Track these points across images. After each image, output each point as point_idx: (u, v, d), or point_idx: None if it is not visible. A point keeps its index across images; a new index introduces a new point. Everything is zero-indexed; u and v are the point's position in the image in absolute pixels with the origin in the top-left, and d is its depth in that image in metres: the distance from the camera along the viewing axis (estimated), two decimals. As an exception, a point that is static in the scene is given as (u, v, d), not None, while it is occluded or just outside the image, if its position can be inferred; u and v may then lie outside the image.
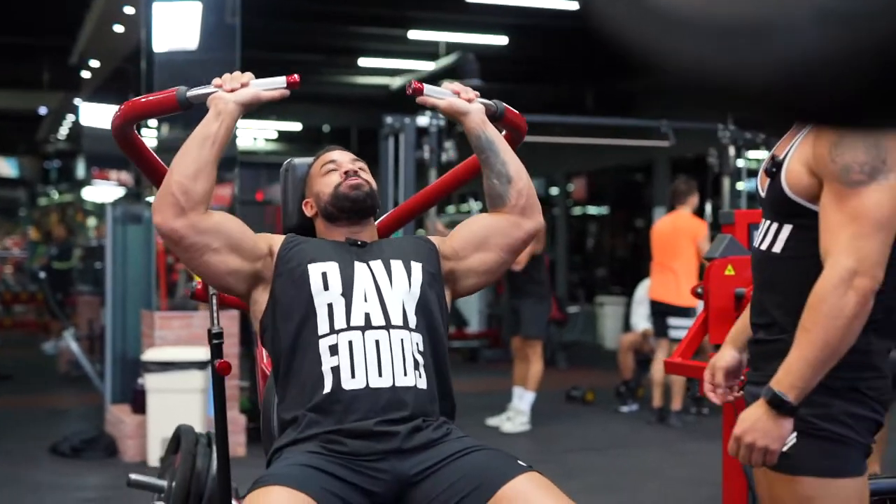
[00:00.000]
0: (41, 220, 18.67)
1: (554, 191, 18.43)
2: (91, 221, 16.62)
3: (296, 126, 20.85)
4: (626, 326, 11.66)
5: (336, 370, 2.43)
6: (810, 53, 0.64)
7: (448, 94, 2.60)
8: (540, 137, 10.42)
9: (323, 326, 2.47)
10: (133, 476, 3.20)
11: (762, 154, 10.21)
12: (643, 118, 12.95)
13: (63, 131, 20.65)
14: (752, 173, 10.69)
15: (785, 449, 2.18)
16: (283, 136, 22.07)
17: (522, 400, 7.74)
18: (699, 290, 3.65)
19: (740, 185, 9.74)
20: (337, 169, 2.70)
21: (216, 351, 2.81)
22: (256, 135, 21.22)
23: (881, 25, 0.61)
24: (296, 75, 2.50)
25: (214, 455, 3.05)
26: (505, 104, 2.71)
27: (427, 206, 3.21)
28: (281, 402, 2.52)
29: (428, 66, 13.54)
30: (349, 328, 2.46)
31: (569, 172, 17.71)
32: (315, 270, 2.51)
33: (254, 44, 8.72)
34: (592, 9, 0.74)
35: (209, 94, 2.46)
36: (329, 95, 17.92)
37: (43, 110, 18.92)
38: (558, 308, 11.37)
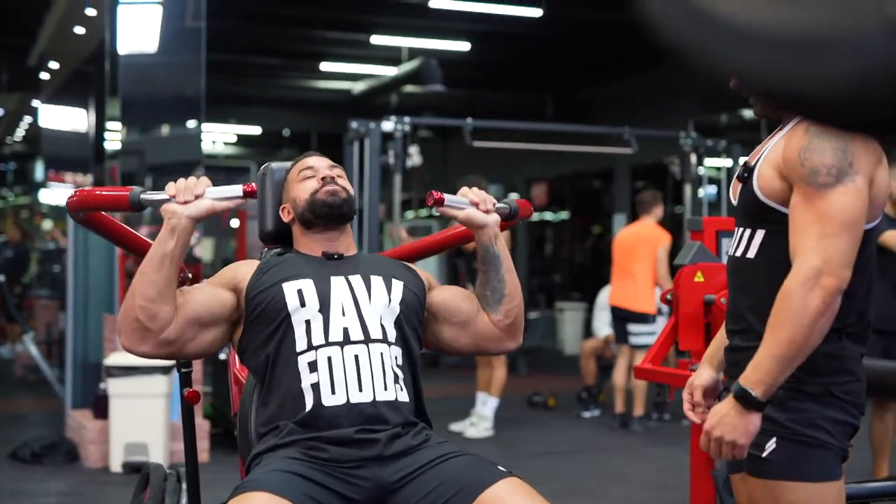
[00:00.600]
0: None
1: (514, 196, 18.48)
2: (47, 224, 16.45)
3: (256, 130, 20.76)
4: (587, 332, 11.72)
5: (316, 387, 2.42)
6: (880, 65, 0.65)
7: (466, 204, 2.56)
8: (501, 144, 10.47)
9: (301, 343, 2.47)
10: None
11: (722, 162, 10.32)
12: (601, 125, 13.05)
13: (20, 133, 20.42)
14: (713, 181, 10.80)
15: (764, 454, 2.22)
16: (243, 140, 21.96)
17: (486, 405, 7.75)
18: (669, 296, 3.69)
19: (701, 192, 9.83)
20: (314, 175, 2.69)
21: (185, 380, 2.79)
22: (216, 138, 21.09)
23: None
24: (253, 184, 2.47)
25: (185, 492, 3.02)
26: (517, 201, 2.70)
27: (423, 255, 3.15)
28: (259, 418, 2.52)
29: (390, 71, 13.54)
30: (327, 344, 2.46)
31: (529, 178, 17.78)
32: (290, 288, 2.51)
33: (217, 47, 8.68)
34: (657, 24, 0.75)
35: (162, 201, 2.41)
36: (290, 99, 17.89)
37: (-1, 112, 18.71)
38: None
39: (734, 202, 2.43)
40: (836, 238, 2.12)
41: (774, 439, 2.22)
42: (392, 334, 2.53)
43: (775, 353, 2.11)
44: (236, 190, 2.44)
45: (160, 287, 2.37)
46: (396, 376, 2.49)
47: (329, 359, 2.44)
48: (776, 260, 2.24)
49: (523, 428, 8.14)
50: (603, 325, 8.82)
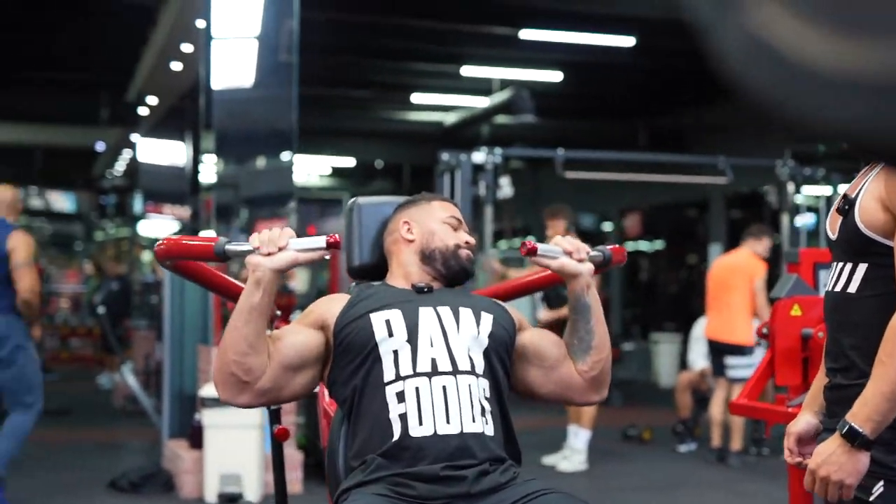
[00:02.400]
0: (97, 255, 18.87)
1: (607, 226, 18.36)
2: (147, 256, 16.78)
3: (350, 161, 20.97)
4: (682, 364, 11.54)
5: (403, 417, 2.41)
6: None
7: (559, 253, 2.53)
8: (593, 174, 10.41)
9: (389, 373, 2.46)
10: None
11: (821, 190, 10.11)
12: (694, 153, 12.90)
13: (119, 167, 20.92)
14: (811, 209, 10.59)
15: (871, 498, 2.13)
16: (337, 172, 22.19)
17: (578, 438, 7.66)
18: (765, 330, 3.60)
19: (798, 222, 9.64)
20: (459, 229, 2.73)
21: (274, 416, 2.80)
22: (310, 170, 21.36)
23: None
24: (336, 235, 2.46)
25: None
26: (611, 248, 2.66)
27: (511, 297, 3.13)
28: (349, 450, 2.51)
29: (481, 102, 13.57)
30: (415, 374, 2.44)
31: (623, 208, 17.63)
32: (378, 319, 2.50)
33: (310, 80, 8.78)
34: (738, 75, 0.72)
35: (246, 252, 2.43)
36: (383, 131, 18.03)
37: (100, 146, 19.18)
38: (612, 345, 11.27)
39: (832, 236, 2.35)
40: None
41: (882, 482, 2.13)
42: (480, 366, 2.50)
43: (885, 389, 2.03)
44: (319, 241, 2.44)
45: (251, 340, 2.38)
46: (483, 408, 2.45)
47: (417, 389, 2.42)
48: (881, 294, 2.16)
49: (618, 461, 8.02)
50: (698, 358, 8.67)
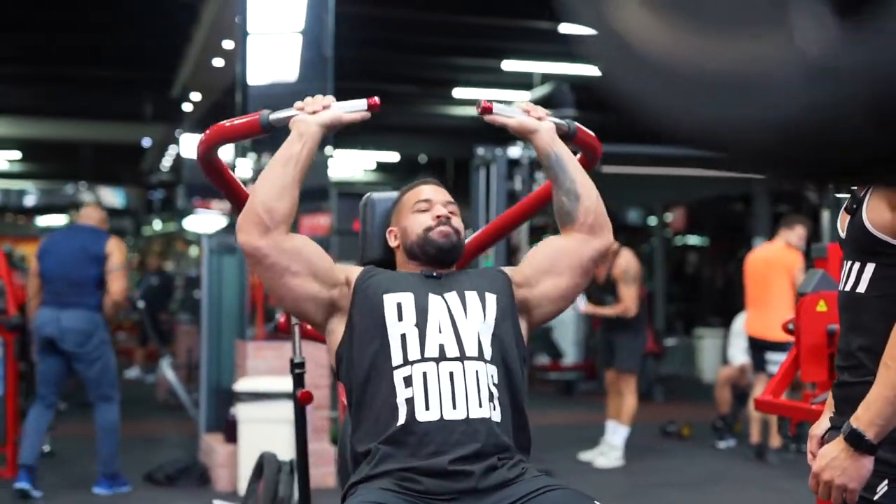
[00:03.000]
0: (144, 250, 19.08)
1: (652, 221, 18.25)
2: (193, 251, 16.92)
3: (393, 156, 21.01)
4: (726, 359, 11.45)
5: (410, 401, 2.40)
6: (801, 110, 0.60)
7: (518, 113, 2.58)
8: (633, 169, 10.33)
9: (396, 357, 2.45)
10: (216, 501, 3.23)
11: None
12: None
13: (166, 162, 21.12)
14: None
15: (876, 497, 2.10)
16: (381, 167, 22.25)
17: (616, 434, 7.62)
18: (790, 325, 3.55)
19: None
20: (429, 209, 2.68)
21: (298, 381, 2.82)
22: (355, 165, 21.43)
23: (867, 81, 0.57)
24: (376, 98, 2.49)
25: (296, 482, 3.07)
26: (577, 124, 2.68)
27: (505, 232, 3.20)
28: (354, 433, 2.50)
29: (522, 96, 13.53)
30: (423, 359, 2.44)
31: (667, 202, 17.51)
32: (390, 300, 2.50)
33: (350, 75, 8.79)
34: (604, 74, 0.71)
35: (291, 116, 2.48)
36: (425, 126, 18.06)
37: (146, 142, 19.37)
38: (655, 341, 11.22)
39: (842, 234, 2.31)
40: None
41: (886, 482, 2.10)
42: (488, 352, 2.49)
43: (889, 394, 2.00)
44: (361, 104, 2.49)
45: (283, 184, 2.41)
46: (491, 394, 2.44)
47: (424, 374, 2.42)
48: (888, 295, 2.12)
49: (655, 457, 7.97)
50: (738, 353, 8.58)
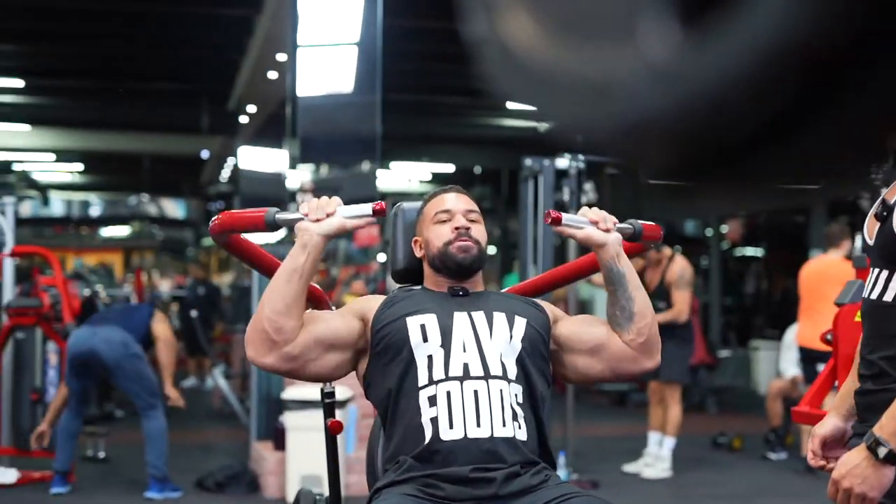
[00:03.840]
0: (197, 260, 19.31)
1: (708, 232, 18.12)
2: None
3: (449, 168, 21.09)
4: (779, 372, 11.33)
5: (434, 421, 2.43)
6: (648, 111, 0.63)
7: (586, 223, 2.51)
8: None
9: (422, 378, 2.49)
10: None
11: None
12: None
13: (225, 174, 21.36)
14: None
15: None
16: (437, 178, 22.35)
17: (662, 446, 7.57)
18: (828, 336, 3.54)
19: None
20: (449, 220, 2.69)
21: (328, 410, 2.84)
22: (411, 176, 21.53)
23: (708, 82, 0.60)
24: (382, 202, 2.51)
25: None
26: (642, 222, 2.61)
27: (549, 289, 3.18)
28: (384, 453, 2.56)
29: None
30: (447, 378, 2.47)
31: (722, 214, 17.35)
32: (413, 323, 2.53)
33: (401, 87, 8.86)
34: (493, 80, 0.75)
35: (295, 220, 2.49)
36: (480, 137, 18.11)
37: (205, 154, 19.61)
38: (708, 352, 11.13)
39: (869, 241, 2.30)
40: None
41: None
42: (513, 371, 2.51)
43: None
44: (366, 209, 2.49)
45: (288, 301, 2.43)
46: (515, 413, 2.47)
47: (448, 393, 2.45)
48: None
49: (703, 469, 7.91)
50: (790, 365, 8.50)
